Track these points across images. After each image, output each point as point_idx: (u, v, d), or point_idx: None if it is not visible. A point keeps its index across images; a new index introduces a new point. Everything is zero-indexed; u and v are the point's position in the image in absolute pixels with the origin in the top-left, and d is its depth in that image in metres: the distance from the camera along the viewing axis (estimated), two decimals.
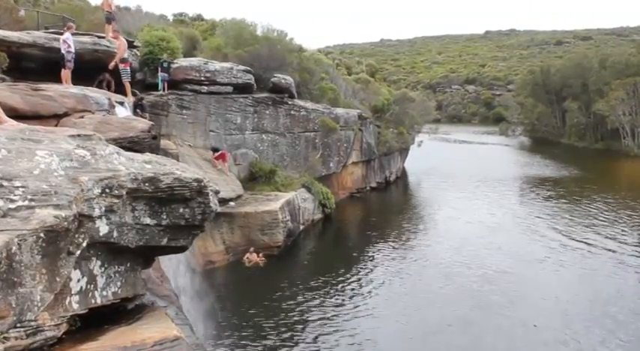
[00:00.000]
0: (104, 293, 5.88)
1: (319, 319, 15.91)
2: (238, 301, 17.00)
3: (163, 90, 22.60)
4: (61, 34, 15.28)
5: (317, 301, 17.22)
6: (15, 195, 4.67)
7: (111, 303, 6.01)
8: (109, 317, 6.08)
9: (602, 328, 15.21)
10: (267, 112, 27.73)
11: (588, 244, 23.66)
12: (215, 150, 23.81)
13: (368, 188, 38.30)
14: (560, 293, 17.90)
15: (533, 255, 22.17)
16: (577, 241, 24.23)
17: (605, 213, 29.86)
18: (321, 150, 31.27)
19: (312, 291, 18.09)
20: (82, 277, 5.51)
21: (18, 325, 4.48)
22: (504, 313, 16.35)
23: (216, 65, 25.32)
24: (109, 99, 12.70)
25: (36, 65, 15.48)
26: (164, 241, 6.35)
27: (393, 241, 24.75)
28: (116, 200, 5.55)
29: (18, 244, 4.29)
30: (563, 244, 23.80)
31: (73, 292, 5.36)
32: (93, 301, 5.67)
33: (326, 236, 27.11)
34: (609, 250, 22.74)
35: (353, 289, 18.50)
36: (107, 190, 5.47)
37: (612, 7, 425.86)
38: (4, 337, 4.30)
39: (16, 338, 4.47)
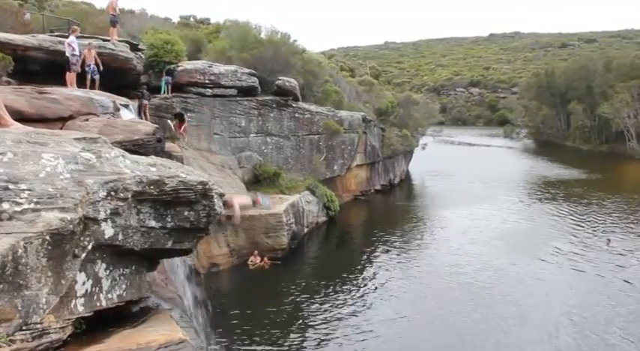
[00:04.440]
0: (109, 296, 5.88)
1: (323, 321, 15.88)
2: (242, 303, 16.98)
3: (167, 93, 22.65)
4: (66, 37, 15.35)
5: (321, 304, 17.19)
6: (21, 198, 4.67)
7: (116, 306, 6.01)
8: (114, 320, 6.08)
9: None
10: (272, 114, 27.74)
11: (596, 246, 23.54)
12: (179, 117, 22.75)
13: (372, 191, 38.26)
14: (566, 293, 17.83)
15: (539, 258, 22.05)
16: (583, 242, 24.12)
17: (612, 216, 29.71)
18: (325, 153, 31.26)
19: (316, 294, 18.07)
20: (88, 279, 5.52)
21: (24, 327, 4.48)
22: (512, 316, 16.28)
23: (220, 68, 25.38)
24: (114, 102, 12.72)
25: (41, 68, 15.51)
26: (169, 244, 6.35)
27: (397, 244, 24.67)
28: (121, 203, 5.55)
29: (24, 246, 4.30)
30: (570, 245, 23.66)
31: (78, 295, 5.37)
32: (98, 304, 5.68)
33: (330, 239, 27.08)
34: (619, 253, 22.61)
35: (357, 292, 18.45)
36: (112, 193, 5.47)
37: (617, 9, 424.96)
38: (10, 340, 4.30)
39: (22, 341, 4.47)
